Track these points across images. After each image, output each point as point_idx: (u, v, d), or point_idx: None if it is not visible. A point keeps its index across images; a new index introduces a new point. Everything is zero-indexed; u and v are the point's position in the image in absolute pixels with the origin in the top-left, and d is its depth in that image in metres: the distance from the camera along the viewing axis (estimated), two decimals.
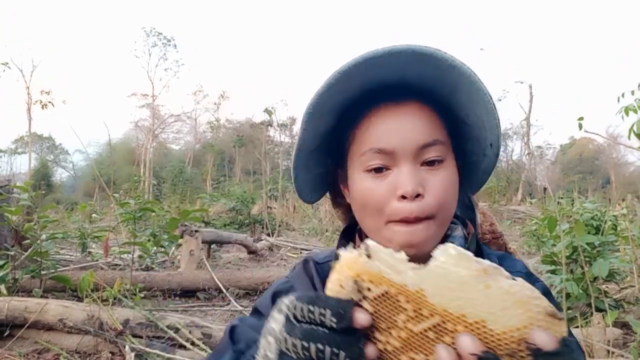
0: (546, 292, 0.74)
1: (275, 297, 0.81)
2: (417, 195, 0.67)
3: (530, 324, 0.39)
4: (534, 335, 0.38)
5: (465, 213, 0.84)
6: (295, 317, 0.46)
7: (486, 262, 0.42)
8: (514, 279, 0.41)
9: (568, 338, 0.39)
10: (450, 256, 0.44)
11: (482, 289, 0.41)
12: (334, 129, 0.78)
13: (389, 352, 0.46)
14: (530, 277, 0.80)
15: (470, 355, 0.39)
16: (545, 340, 0.38)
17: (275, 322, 0.49)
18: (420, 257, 0.65)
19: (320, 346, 0.43)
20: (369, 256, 0.47)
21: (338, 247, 0.83)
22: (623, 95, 3.27)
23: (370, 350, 0.45)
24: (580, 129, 3.30)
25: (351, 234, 0.86)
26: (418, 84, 0.72)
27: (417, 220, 0.67)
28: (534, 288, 0.41)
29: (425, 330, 0.44)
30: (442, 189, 0.69)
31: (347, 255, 0.48)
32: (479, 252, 0.78)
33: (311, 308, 0.45)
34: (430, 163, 0.69)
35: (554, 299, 0.77)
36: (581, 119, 3.33)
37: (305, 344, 0.44)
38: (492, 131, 0.74)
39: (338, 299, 0.46)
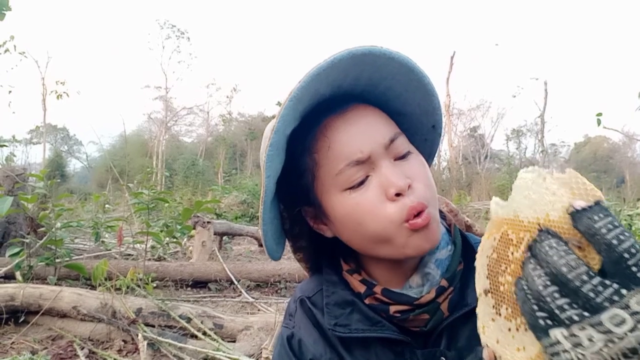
0: None
1: (294, 352, 0.77)
2: (408, 188, 0.65)
3: (574, 198, 0.43)
4: (574, 204, 0.41)
5: None
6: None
7: (540, 169, 0.47)
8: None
9: (600, 200, 0.41)
10: (526, 171, 0.48)
11: (541, 182, 0.46)
12: (285, 167, 0.71)
13: (506, 291, 0.48)
14: None
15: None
16: (581, 203, 0.41)
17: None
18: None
19: None
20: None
21: (325, 281, 0.79)
22: None
23: None
24: (599, 124, 3.25)
25: (333, 262, 0.81)
26: (351, 90, 0.70)
27: (421, 207, 0.64)
28: (577, 173, 0.44)
29: (524, 252, 0.46)
30: (422, 174, 0.68)
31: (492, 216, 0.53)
32: (465, 243, 0.76)
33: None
34: (402, 157, 0.68)
35: None
36: (600, 114, 3.27)
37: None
38: (434, 113, 0.75)
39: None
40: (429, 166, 0.81)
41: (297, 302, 0.82)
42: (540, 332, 0.39)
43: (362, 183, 0.66)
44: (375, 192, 0.65)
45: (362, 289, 0.74)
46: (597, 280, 0.37)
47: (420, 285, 0.71)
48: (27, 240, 4.06)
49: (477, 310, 0.52)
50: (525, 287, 0.41)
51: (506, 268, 0.49)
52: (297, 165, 0.71)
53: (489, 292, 0.51)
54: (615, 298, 0.36)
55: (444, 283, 0.70)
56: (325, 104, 0.69)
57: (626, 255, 0.36)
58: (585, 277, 0.37)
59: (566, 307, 0.37)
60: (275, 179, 0.69)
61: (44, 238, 4.19)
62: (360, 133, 0.67)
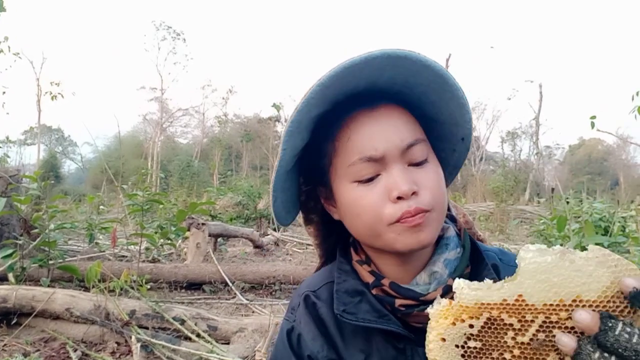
0: None
1: (292, 346, 0.80)
2: (413, 194, 0.66)
3: (616, 277, 0.43)
4: (624, 284, 0.42)
5: None
6: None
7: (557, 246, 0.46)
8: (585, 249, 0.46)
9: None
10: (533, 252, 0.47)
11: (569, 265, 0.45)
12: (308, 145, 0.77)
13: None
14: None
15: (588, 321, 0.43)
16: (633, 282, 0.42)
17: None
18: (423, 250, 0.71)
19: None
20: (452, 298, 0.49)
21: (338, 269, 0.82)
22: (638, 93, 3.23)
23: None
24: (593, 127, 3.27)
25: (347, 251, 0.84)
26: (388, 89, 0.72)
27: (417, 212, 0.66)
28: (602, 248, 0.46)
29: (535, 335, 0.46)
30: (433, 184, 0.69)
31: (437, 308, 0.50)
32: (474, 248, 0.78)
33: None
34: (417, 164, 0.70)
35: None
36: (593, 117, 3.30)
37: None
38: (464, 126, 0.76)
39: None
40: (453, 178, 0.84)
41: (301, 297, 0.85)
42: None
43: (371, 179, 0.69)
44: (380, 191, 0.68)
45: (370, 279, 0.76)
46: None
47: (427, 283, 0.73)
48: (21, 242, 4.03)
49: None
50: None
51: (502, 354, 0.47)
52: (319, 148, 0.76)
53: None
54: None
55: (451, 282, 0.71)
56: (359, 97, 0.71)
57: None
58: None
59: None
60: (293, 153, 0.74)
61: (38, 239, 4.17)
62: (380, 132, 0.69)
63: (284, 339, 0.81)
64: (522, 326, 0.46)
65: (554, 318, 0.45)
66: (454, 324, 0.48)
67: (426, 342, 0.50)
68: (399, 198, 0.66)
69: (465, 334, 0.48)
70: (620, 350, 0.41)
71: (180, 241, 6.70)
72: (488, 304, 0.47)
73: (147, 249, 5.80)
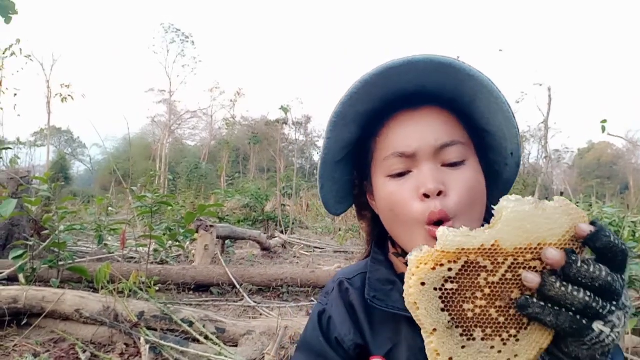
0: None
1: (322, 327, 0.84)
2: (439, 194, 0.67)
3: (573, 224, 0.51)
4: (580, 228, 0.50)
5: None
6: None
7: (530, 197, 0.52)
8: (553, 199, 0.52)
9: (595, 220, 0.52)
10: (513, 202, 0.52)
11: (541, 213, 0.51)
12: (359, 139, 0.80)
13: (478, 315, 0.53)
14: None
15: (557, 258, 0.50)
16: (587, 227, 0.50)
17: None
18: None
19: None
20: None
21: (372, 259, 0.85)
22: None
23: None
24: (604, 131, 3.24)
25: (383, 242, 0.87)
26: (437, 93, 0.73)
27: (442, 215, 0.66)
28: (565, 198, 0.53)
29: (504, 275, 0.52)
30: (464, 187, 0.69)
31: (417, 254, 0.54)
32: None
33: None
34: (452, 165, 0.70)
35: None
36: (604, 121, 3.27)
37: None
38: (512, 140, 0.75)
39: None
40: (506, 193, 0.83)
41: (335, 282, 0.89)
42: (584, 330, 0.49)
43: (402, 175, 0.71)
44: (410, 187, 0.70)
45: (405, 270, 0.77)
46: (618, 275, 0.50)
47: None
48: (31, 243, 4.07)
49: (433, 348, 0.54)
50: (552, 304, 0.50)
51: (474, 294, 0.52)
52: (367, 144, 0.79)
53: (450, 325, 0.53)
54: (624, 282, 0.51)
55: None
56: (406, 98, 0.73)
57: (627, 253, 0.51)
58: (616, 276, 0.50)
59: (606, 303, 0.49)
60: (341, 144, 0.78)
61: (48, 241, 4.20)
62: (416, 130, 0.71)
63: (315, 320, 0.85)
64: (494, 268, 0.52)
65: (520, 259, 0.51)
66: (434, 268, 0.52)
67: (405, 287, 0.54)
68: (426, 196, 0.67)
69: (443, 277, 0.52)
70: (580, 278, 0.49)
71: (188, 243, 6.72)
72: (467, 249, 0.52)
73: (155, 250, 5.83)
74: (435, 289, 0.52)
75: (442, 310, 0.53)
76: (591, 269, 0.49)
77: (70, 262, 4.36)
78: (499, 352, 0.53)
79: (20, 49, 9.73)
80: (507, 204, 0.52)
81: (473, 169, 0.72)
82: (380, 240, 0.88)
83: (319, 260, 7.70)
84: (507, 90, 0.71)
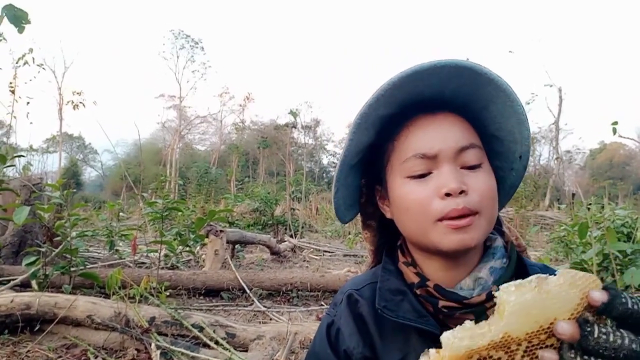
0: None
1: (330, 339, 0.84)
2: (461, 193, 0.68)
3: (584, 293, 0.48)
4: (592, 297, 0.48)
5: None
6: None
7: (531, 277, 0.50)
8: (554, 274, 0.51)
9: (609, 285, 0.50)
10: (514, 292, 0.50)
11: (545, 297, 0.49)
12: (372, 143, 0.81)
13: None
14: None
15: (571, 331, 0.48)
16: (600, 295, 0.48)
17: None
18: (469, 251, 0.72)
19: None
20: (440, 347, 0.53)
21: (383, 268, 0.85)
22: None
23: None
24: (615, 133, 3.21)
25: (393, 251, 0.87)
26: (452, 99, 0.74)
27: (464, 212, 0.67)
28: (569, 269, 0.51)
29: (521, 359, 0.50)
30: (484, 188, 0.71)
31: (427, 359, 0.53)
32: (520, 261, 0.79)
33: None
34: (470, 167, 0.71)
35: None
36: (615, 123, 3.24)
37: None
38: (523, 143, 0.77)
39: None
40: (510, 197, 0.87)
41: (344, 294, 0.88)
42: None
43: (423, 176, 0.72)
44: (430, 188, 0.71)
45: (415, 280, 0.78)
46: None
47: (471, 288, 0.75)
48: (43, 249, 4.11)
49: None
50: None
51: None
52: (381, 147, 0.80)
53: None
54: None
55: (494, 289, 0.73)
56: (423, 104, 0.75)
57: None
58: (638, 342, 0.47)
59: None
60: (358, 148, 0.78)
61: (60, 247, 4.24)
62: (437, 133, 0.72)
63: (323, 332, 0.85)
64: (509, 356, 0.50)
65: (535, 341, 0.50)
66: None
67: None
68: (448, 195, 0.68)
69: None
70: (601, 350, 0.46)
71: (198, 248, 6.75)
72: (477, 348, 0.50)
73: (166, 255, 5.86)
74: None
75: None
76: (611, 339, 0.46)
77: (82, 268, 4.40)
78: None
79: (33, 58, 9.85)
80: (508, 298, 0.50)
81: (489, 173, 0.73)
82: (390, 249, 0.88)
83: (329, 264, 7.69)
84: (517, 92, 0.73)
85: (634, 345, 0.46)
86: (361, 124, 0.74)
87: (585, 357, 0.47)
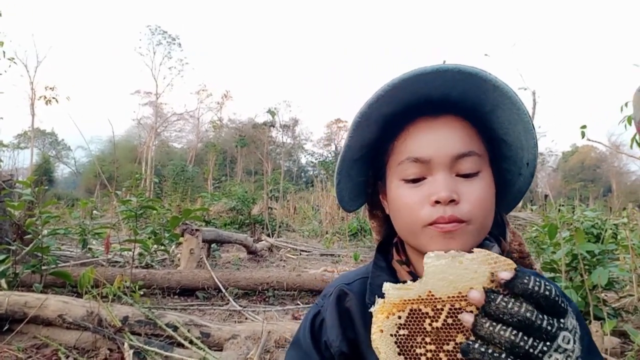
0: (578, 314, 0.80)
1: (313, 328, 0.88)
2: (451, 201, 0.69)
3: (495, 271, 0.56)
4: (500, 276, 0.55)
5: (496, 231, 0.85)
6: None
7: (451, 251, 0.59)
8: (472, 252, 0.58)
9: (521, 268, 0.56)
10: (432, 257, 0.59)
11: (458, 265, 0.57)
12: (377, 140, 0.82)
13: (430, 359, 0.58)
14: (564, 296, 0.83)
15: (478, 297, 0.55)
16: (506, 274, 0.55)
17: None
18: None
19: None
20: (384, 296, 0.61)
21: (374, 265, 0.88)
22: (626, 104, 3.28)
23: None
24: (583, 137, 3.31)
25: (387, 248, 0.90)
26: (459, 101, 0.75)
27: (452, 220, 0.69)
28: (486, 250, 0.58)
29: (445, 320, 0.57)
30: (477, 198, 0.71)
31: (375, 307, 0.62)
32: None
33: None
34: (465, 175, 0.72)
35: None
36: (584, 127, 3.33)
37: None
38: (529, 150, 0.77)
39: None
40: (517, 202, 0.87)
41: (334, 287, 0.91)
42: None
43: (416, 181, 0.73)
44: (422, 194, 0.72)
45: (408, 278, 0.79)
46: (545, 316, 0.53)
47: None
48: (13, 247, 4.02)
49: None
50: (486, 344, 0.54)
51: (424, 339, 0.59)
52: (385, 145, 0.81)
53: None
54: (561, 325, 0.54)
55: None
56: (429, 105, 0.75)
57: (557, 299, 0.54)
58: (541, 316, 0.53)
59: (536, 343, 0.52)
60: (361, 143, 0.80)
61: (31, 245, 4.16)
62: (433, 138, 0.73)
63: (308, 322, 0.89)
64: (435, 314, 0.58)
65: (457, 305, 0.57)
66: (387, 317, 0.60)
67: (371, 335, 0.61)
68: (437, 202, 0.69)
69: (396, 324, 0.59)
70: (500, 315, 0.53)
71: (173, 247, 6.68)
72: (409, 299, 0.59)
73: (140, 254, 5.79)
74: (391, 335, 0.59)
75: (399, 354, 0.59)
76: (509, 306, 0.53)
77: (54, 266, 4.32)
78: None
79: (4, 52, 9.59)
80: (427, 260, 0.59)
81: (485, 181, 0.73)
82: (384, 247, 0.90)
83: (306, 263, 7.71)
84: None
85: (528, 314, 0.52)
86: (361, 122, 0.75)
87: (494, 323, 0.53)
